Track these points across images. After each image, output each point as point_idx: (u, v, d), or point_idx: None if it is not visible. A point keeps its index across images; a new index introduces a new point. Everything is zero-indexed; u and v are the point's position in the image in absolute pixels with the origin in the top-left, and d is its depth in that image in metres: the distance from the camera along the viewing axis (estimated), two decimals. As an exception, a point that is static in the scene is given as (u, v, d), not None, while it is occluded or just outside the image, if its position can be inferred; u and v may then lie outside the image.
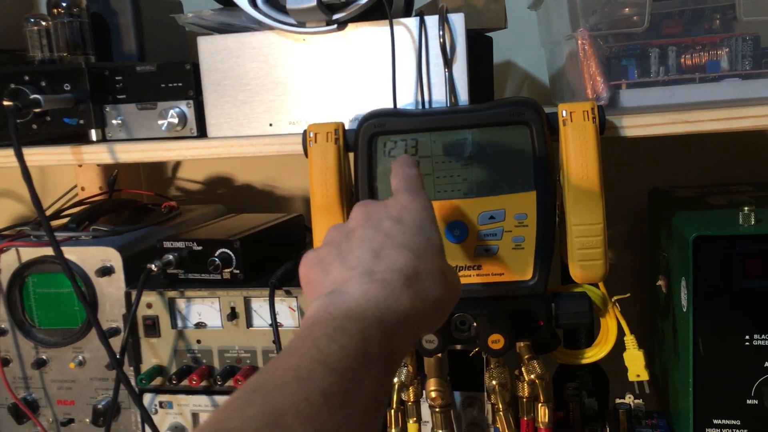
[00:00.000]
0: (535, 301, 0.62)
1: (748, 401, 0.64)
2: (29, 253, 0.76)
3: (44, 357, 0.78)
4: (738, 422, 0.64)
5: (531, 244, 0.61)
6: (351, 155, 0.63)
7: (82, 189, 1.03)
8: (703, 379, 0.64)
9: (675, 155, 0.93)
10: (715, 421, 0.65)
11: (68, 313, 0.77)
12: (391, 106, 0.65)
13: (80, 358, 0.77)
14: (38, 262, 0.76)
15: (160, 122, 0.71)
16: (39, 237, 0.77)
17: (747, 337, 0.63)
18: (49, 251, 0.75)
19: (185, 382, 0.72)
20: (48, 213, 0.93)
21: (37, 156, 0.72)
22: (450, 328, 0.62)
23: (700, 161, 0.93)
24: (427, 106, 0.65)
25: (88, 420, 0.78)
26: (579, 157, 0.58)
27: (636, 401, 0.76)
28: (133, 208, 0.93)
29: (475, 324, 0.61)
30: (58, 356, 0.78)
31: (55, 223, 0.85)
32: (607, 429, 0.73)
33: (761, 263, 0.62)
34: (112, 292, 0.75)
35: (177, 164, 1.09)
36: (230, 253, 0.70)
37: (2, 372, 0.77)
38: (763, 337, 0.62)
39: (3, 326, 0.78)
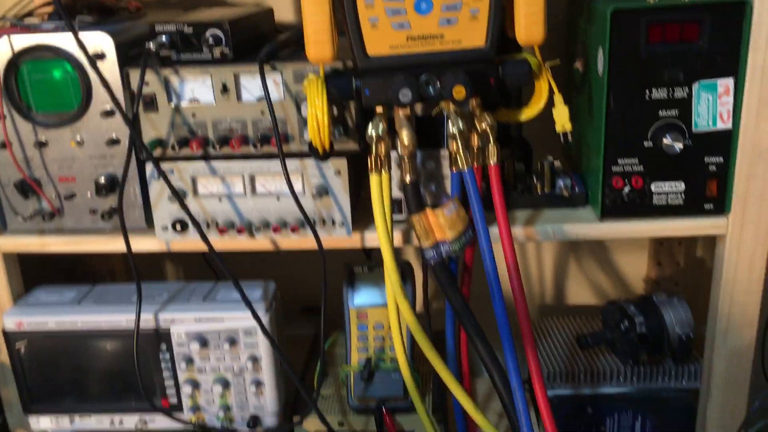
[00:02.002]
0: (487, 65, 0.76)
1: (645, 143, 0.82)
2: (21, 41, 0.82)
3: (44, 139, 0.86)
4: (636, 160, 0.83)
5: (485, 14, 0.74)
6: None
7: (37, -5, 1.06)
8: (612, 128, 0.82)
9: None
10: (619, 161, 0.83)
11: (64, 97, 0.84)
12: None
13: (78, 138, 0.86)
14: (32, 50, 0.82)
15: None
16: (28, 26, 0.83)
17: (647, 91, 0.80)
18: (40, 39, 0.81)
19: (185, 151, 0.82)
20: (21, 12, 0.97)
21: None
22: (419, 89, 0.75)
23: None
24: None
25: (89, 194, 0.88)
26: (526, -62, 0.71)
27: (555, 162, 0.93)
28: (99, 8, 0.97)
29: (439, 83, 0.75)
30: (56, 138, 0.86)
31: (32, 19, 0.90)
32: (534, 180, 0.91)
33: (660, 31, 0.78)
34: (105, 76, 0.82)
35: (128, -27, 1.12)
36: (220, 33, 0.79)
37: (10, 150, 0.85)
38: (658, 91, 0.80)
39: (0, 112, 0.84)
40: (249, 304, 0.85)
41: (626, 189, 0.84)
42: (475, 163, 0.81)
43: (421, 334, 0.82)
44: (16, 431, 0.98)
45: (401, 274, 0.96)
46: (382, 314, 0.96)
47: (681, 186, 0.83)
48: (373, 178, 0.78)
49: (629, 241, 1.19)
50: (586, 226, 0.86)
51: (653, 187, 0.84)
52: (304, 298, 1.22)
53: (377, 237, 0.80)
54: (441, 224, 0.80)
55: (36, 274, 1.00)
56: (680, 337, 0.97)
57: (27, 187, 0.87)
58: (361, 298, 0.98)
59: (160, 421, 0.93)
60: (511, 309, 0.79)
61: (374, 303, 0.97)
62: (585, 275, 1.22)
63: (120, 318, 0.89)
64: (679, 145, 0.80)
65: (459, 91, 0.73)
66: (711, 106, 0.80)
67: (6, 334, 0.89)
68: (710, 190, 0.83)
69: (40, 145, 0.86)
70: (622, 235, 0.86)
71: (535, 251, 1.22)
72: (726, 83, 0.79)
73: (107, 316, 0.89)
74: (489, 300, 0.80)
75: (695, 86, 0.79)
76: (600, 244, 1.20)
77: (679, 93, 0.80)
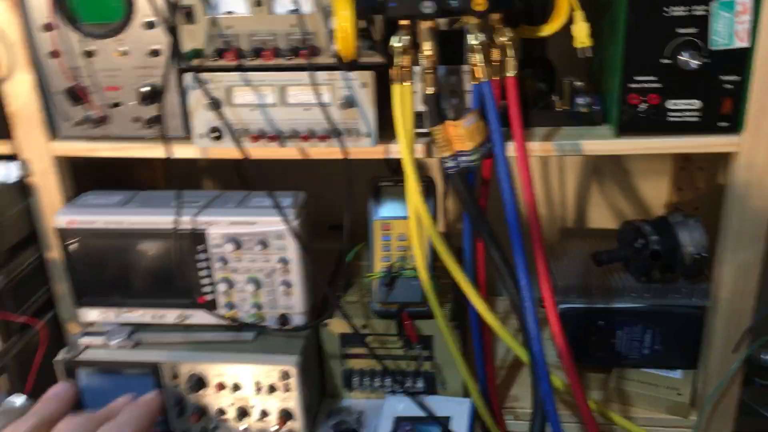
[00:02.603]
0: (508, -21, 0.79)
1: (663, 61, 0.84)
2: (69, -46, 0.87)
3: (91, 49, 0.92)
4: (653, 77, 0.85)
5: (507, -71, 0.77)
6: None
7: None
8: (631, 44, 0.84)
9: None
10: (637, 78, 0.85)
11: (109, 9, 0.89)
12: None
13: (122, 48, 0.91)
14: (79, -37, 0.87)
15: None
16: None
17: (665, 8, 0.82)
18: (87, -47, 0.87)
19: (221, 62, 0.88)
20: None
21: None
22: (442, 1, 0.79)
23: None
24: None
25: (133, 102, 0.94)
26: None
27: (577, 82, 0.96)
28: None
29: (462, -5, 0.78)
30: (102, 48, 0.91)
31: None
32: (555, 97, 0.94)
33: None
34: (147, -11, 0.88)
35: None
36: (254, -54, 0.83)
37: (61, 59, 0.91)
38: (676, 8, 0.81)
39: (51, 22, 0.90)
40: (279, 208, 0.91)
41: (643, 106, 0.86)
42: (494, 77, 0.84)
43: (438, 238, 0.87)
44: (67, 323, 1.07)
45: (425, 189, 1.01)
46: (405, 226, 1.01)
47: (696, 103, 0.86)
48: (396, 88, 0.82)
49: (650, 165, 1.22)
50: (602, 142, 0.89)
51: (669, 104, 0.86)
52: (331, 218, 1.28)
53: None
54: (460, 135, 0.84)
55: (86, 184, 1.07)
56: (693, 256, 1.01)
57: (76, 95, 0.93)
58: (386, 210, 1.03)
59: (197, 316, 1.01)
60: (526, 223, 0.83)
61: (398, 215, 1.02)
62: (606, 200, 1.26)
63: (161, 219, 0.95)
64: (695, 63, 0.82)
65: (479, 3, 0.76)
66: (728, 24, 0.81)
67: (59, 231, 0.97)
68: (725, 108, 0.85)
69: (88, 54, 0.92)
70: (636, 151, 0.89)
71: (558, 175, 1.25)
72: (744, 1, 0.80)
73: (150, 217, 0.96)
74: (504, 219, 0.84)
75: (713, 4, 0.81)
76: (622, 168, 1.23)
77: (698, 10, 0.81)
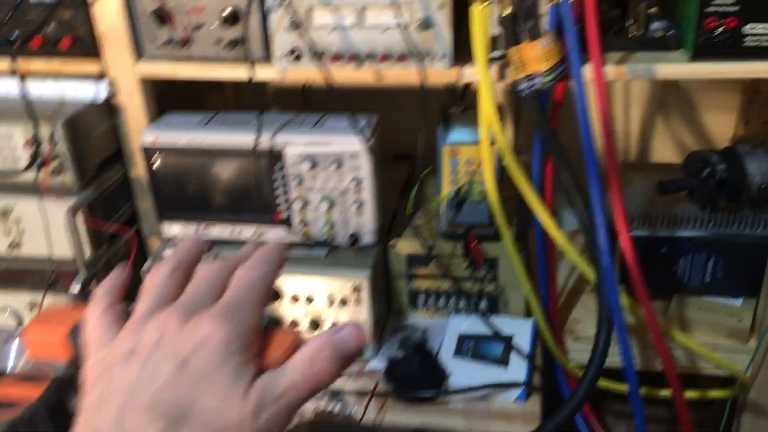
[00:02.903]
0: None
1: None
2: None
3: (177, -29, 0.95)
4: (733, 1, 0.85)
5: None
6: None
7: None
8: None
9: None
10: (714, 1, 0.86)
11: (195, -68, 0.93)
12: None
13: (207, -29, 0.95)
14: None
15: None
16: None
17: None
18: None
19: (302, -18, 0.90)
20: None
21: None
22: None
23: None
24: None
25: (215, 24, 0.97)
26: None
27: (651, 8, 0.96)
28: None
29: None
30: (188, -30, 0.95)
31: None
32: (629, 23, 0.95)
33: None
34: None
35: None
36: None
37: (149, -21, 0.95)
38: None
39: (140, -56, 0.94)
40: (356, 127, 0.94)
41: (719, 30, 0.87)
42: (573, -2, 0.85)
43: (508, 151, 0.90)
44: (150, 237, 1.13)
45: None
46: (473, 151, 1.04)
47: (774, 28, 0.86)
48: (475, 8, 0.84)
49: (718, 98, 1.22)
50: (676, 66, 0.90)
51: (746, 28, 0.86)
52: (397, 148, 1.31)
53: (475, 72, 0.88)
54: (536, 57, 0.86)
55: (162, 108, 1.12)
56: (760, 185, 1.01)
57: (161, 16, 0.97)
58: (455, 136, 1.06)
59: (273, 233, 1.06)
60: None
61: (466, 140, 1.05)
62: (670, 133, 1.26)
63: (241, 139, 1.00)
64: (776, -16, 0.82)
65: None
66: (814, -56, 0.81)
67: (144, 149, 1.02)
68: (804, 32, 0.85)
69: (174, -22, 0.95)
70: (711, 75, 0.90)
71: (623, 108, 1.26)
72: None
73: (230, 136, 1.00)
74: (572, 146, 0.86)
75: (799, -77, 0.80)
76: (688, 101, 1.23)
77: (782, -70, 0.81)
